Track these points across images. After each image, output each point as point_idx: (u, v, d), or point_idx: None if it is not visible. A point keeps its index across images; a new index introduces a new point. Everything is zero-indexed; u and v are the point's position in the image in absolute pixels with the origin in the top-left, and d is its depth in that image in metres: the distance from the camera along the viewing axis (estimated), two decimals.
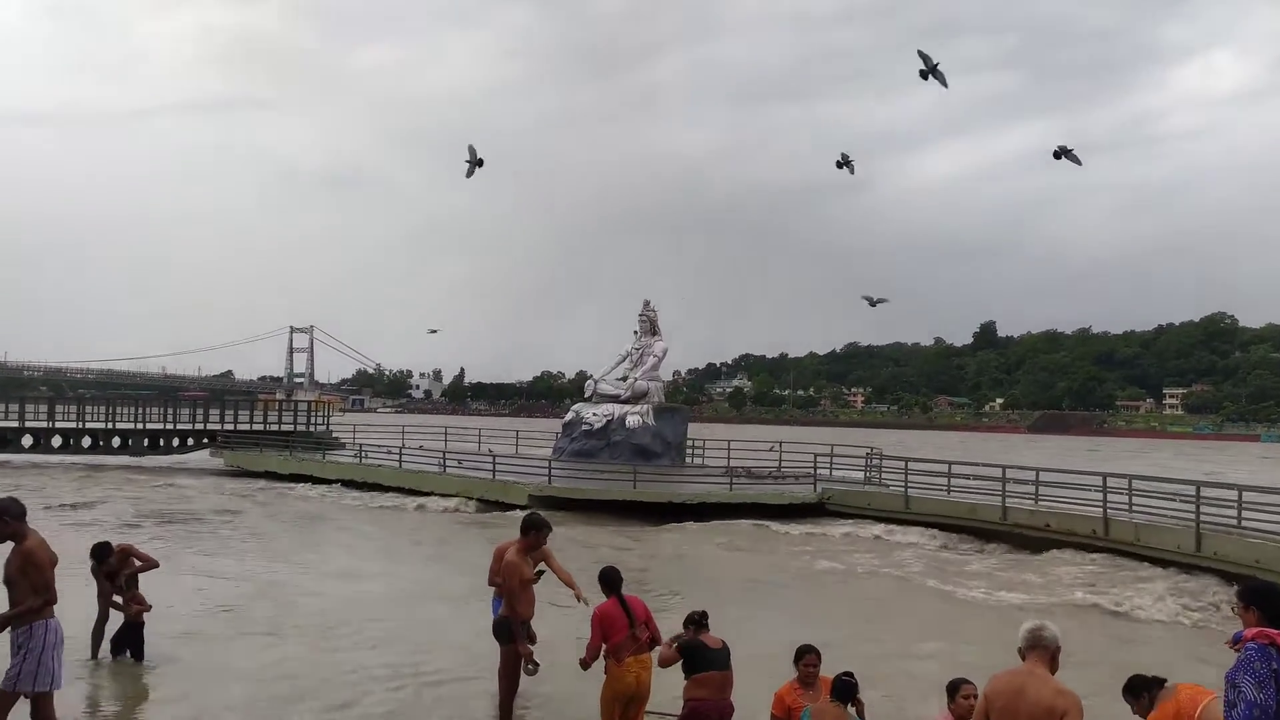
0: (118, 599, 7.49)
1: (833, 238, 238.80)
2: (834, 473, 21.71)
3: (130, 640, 7.76)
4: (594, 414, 23.77)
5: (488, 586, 6.49)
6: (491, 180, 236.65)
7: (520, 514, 11.17)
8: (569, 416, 24.85)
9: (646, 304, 29.15)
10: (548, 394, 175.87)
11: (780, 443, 24.38)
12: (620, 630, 5.05)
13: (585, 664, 5.17)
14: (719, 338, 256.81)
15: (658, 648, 5.16)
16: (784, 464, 22.91)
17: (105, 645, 7.81)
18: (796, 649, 4.92)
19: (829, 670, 4.96)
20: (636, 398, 24.25)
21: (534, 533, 5.50)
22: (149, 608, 7.70)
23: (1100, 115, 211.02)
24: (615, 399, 24.26)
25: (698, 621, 5.04)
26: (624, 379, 25.70)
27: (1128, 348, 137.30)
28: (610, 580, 5.25)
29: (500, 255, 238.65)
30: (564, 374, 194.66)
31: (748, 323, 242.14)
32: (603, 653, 5.14)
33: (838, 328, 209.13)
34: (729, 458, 23.94)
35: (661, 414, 24.07)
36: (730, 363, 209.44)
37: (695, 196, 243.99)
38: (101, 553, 7.52)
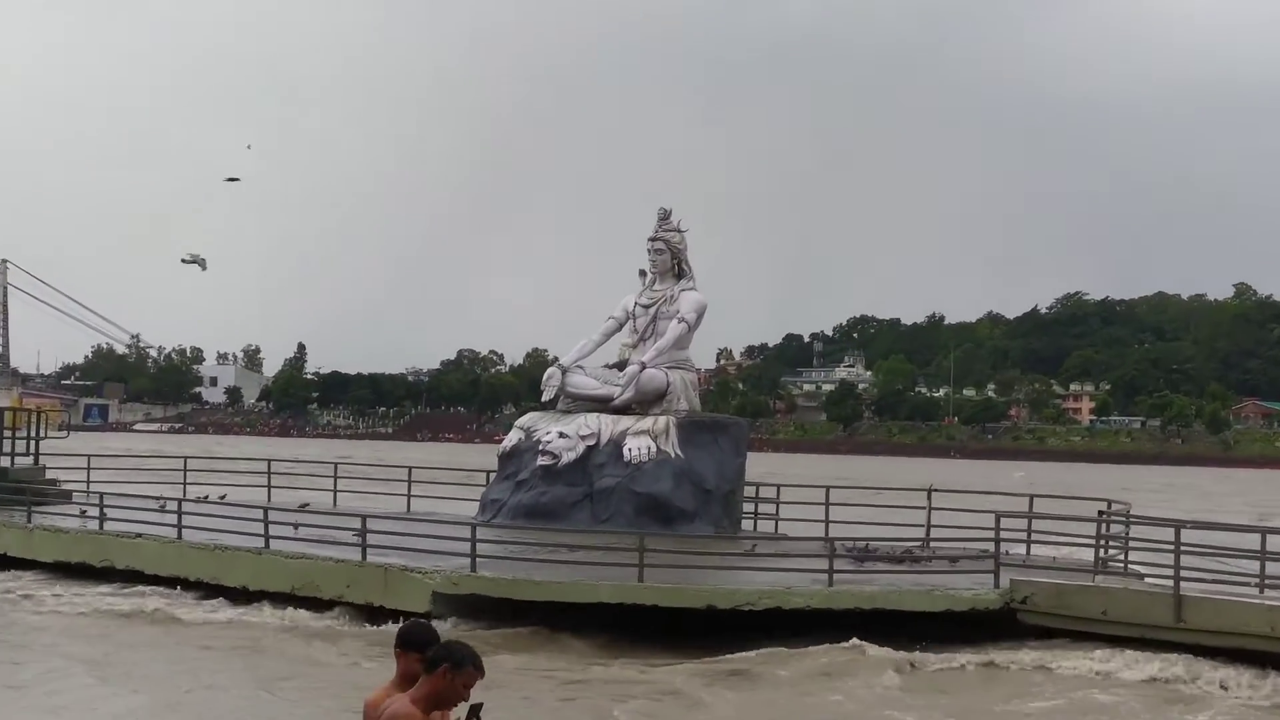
0: None
1: (1021, 93, 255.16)
2: (1033, 551, 21.51)
3: None
4: (561, 434, 23.45)
5: None
6: None
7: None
8: (511, 440, 24.70)
9: (664, 217, 27.32)
10: (469, 395, 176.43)
11: (931, 489, 24.44)
12: None
13: None
14: (807, 289, 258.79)
15: None
16: (936, 531, 22.56)
17: None
18: None
19: None
20: (645, 401, 23.85)
21: (449, 671, 5.66)
22: None
23: None
24: (603, 404, 23.82)
25: None
26: (619, 366, 25.51)
27: None
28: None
29: (380, 129, 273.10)
30: (501, 356, 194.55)
31: (862, 261, 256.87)
32: None
33: (1039, 269, 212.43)
34: (827, 520, 24.02)
35: (695, 433, 23.72)
36: (831, 334, 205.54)
37: (755, 17, 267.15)
38: None
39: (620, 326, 25.07)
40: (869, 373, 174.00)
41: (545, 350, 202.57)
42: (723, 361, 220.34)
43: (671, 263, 24.20)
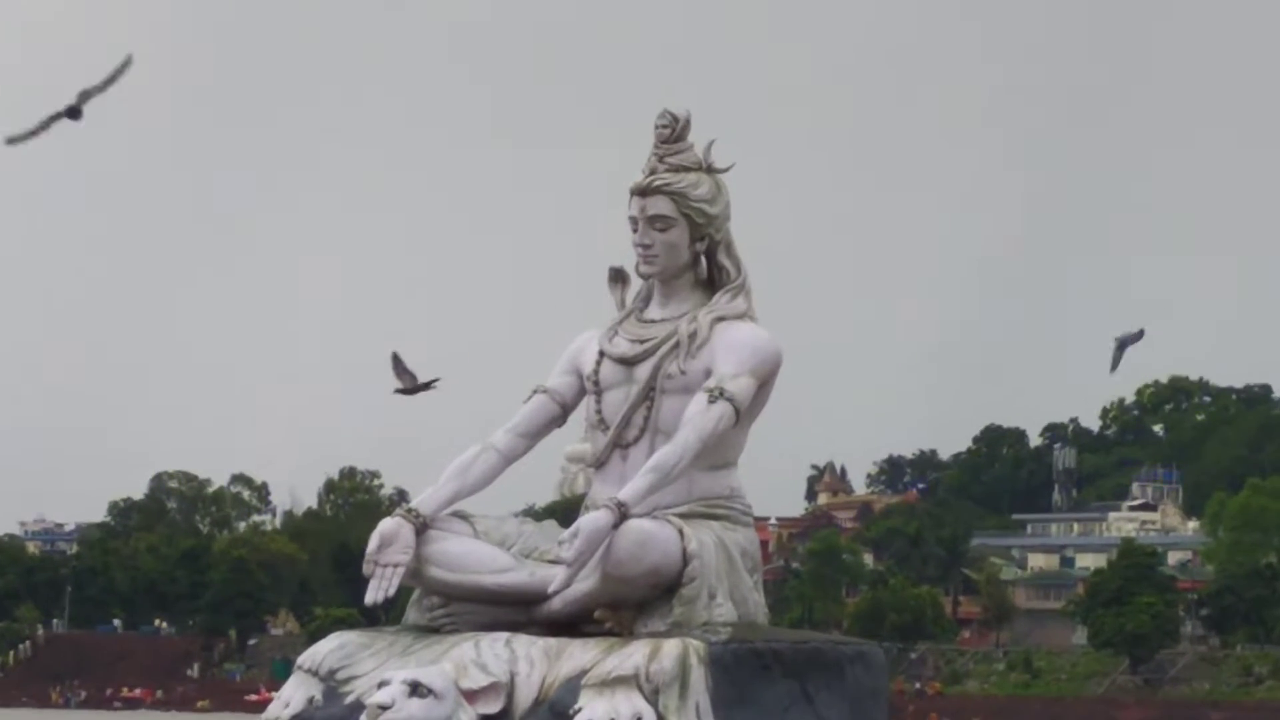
0: None
1: None
2: None
3: None
4: (414, 687, 24.27)
5: None
6: None
7: None
8: (292, 704, 26.19)
9: (672, 135, 26.87)
10: (183, 588, 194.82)
11: None
12: None
13: None
14: (1037, 323, 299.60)
15: None
16: None
17: None
18: None
19: None
20: (625, 598, 25.45)
21: None
22: None
23: None
24: (522, 608, 25.85)
25: None
26: (560, 515, 22.35)
27: None
28: None
29: None
30: (262, 491, 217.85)
31: (1173, 240, 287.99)
32: None
33: None
34: None
35: (755, 683, 24.95)
36: (1097, 429, 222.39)
37: None
38: None
39: (565, 412, 26.84)
40: (1194, 523, 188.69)
41: (374, 475, 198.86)
42: (823, 499, 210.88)
43: (690, 250, 26.87)
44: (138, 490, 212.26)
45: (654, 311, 23.36)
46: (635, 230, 22.91)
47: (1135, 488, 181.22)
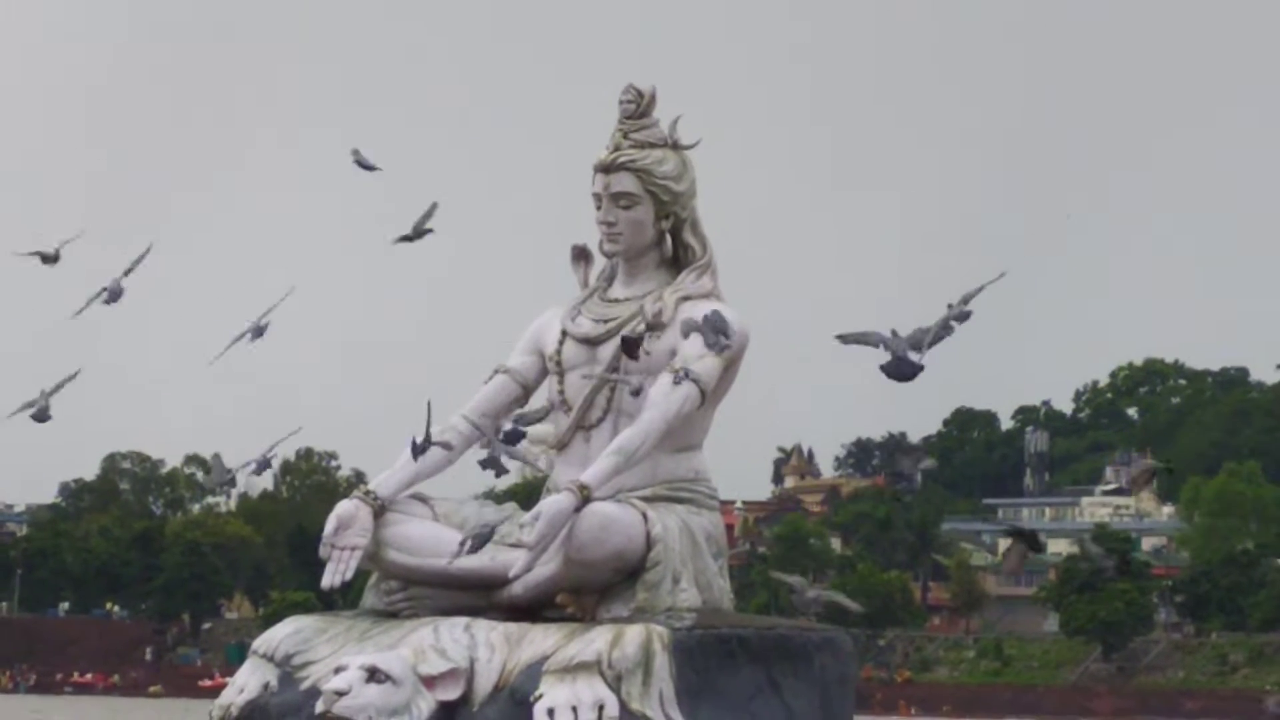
0: None
1: None
2: None
3: None
4: (373, 673, 23.81)
5: None
6: None
7: None
8: (246, 688, 25.90)
9: (636, 110, 27.06)
10: (135, 571, 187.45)
11: None
12: None
13: None
14: (1013, 298, 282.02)
15: None
16: None
17: None
18: None
19: None
20: (588, 584, 24.98)
21: None
22: None
23: None
24: (482, 593, 25.44)
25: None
26: (522, 497, 23.45)
27: None
28: None
29: None
30: (226, 474, 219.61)
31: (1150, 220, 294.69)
32: None
33: None
34: None
35: (720, 669, 23.83)
36: (1071, 412, 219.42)
37: None
38: None
39: (526, 393, 22.25)
40: (1169, 508, 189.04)
41: (331, 456, 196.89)
42: (790, 482, 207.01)
43: (655, 228, 21.62)
44: (89, 471, 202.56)
45: (618, 290, 22.83)
46: (598, 207, 22.20)
47: (1109, 472, 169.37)
